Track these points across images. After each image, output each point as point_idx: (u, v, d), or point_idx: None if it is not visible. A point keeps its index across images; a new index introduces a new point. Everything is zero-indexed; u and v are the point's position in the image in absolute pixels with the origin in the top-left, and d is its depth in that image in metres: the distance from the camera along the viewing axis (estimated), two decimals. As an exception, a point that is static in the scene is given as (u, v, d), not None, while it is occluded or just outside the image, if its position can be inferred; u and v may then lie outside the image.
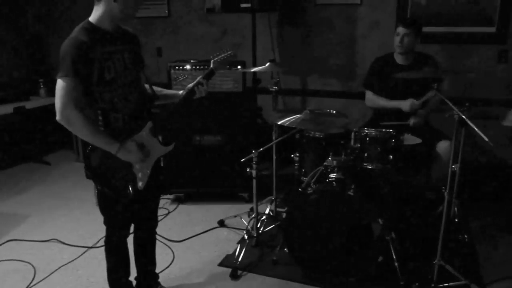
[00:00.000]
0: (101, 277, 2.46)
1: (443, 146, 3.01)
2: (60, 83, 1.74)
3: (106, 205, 2.04)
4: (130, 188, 1.96)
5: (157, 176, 2.19)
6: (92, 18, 1.84)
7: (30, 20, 5.17)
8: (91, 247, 2.97)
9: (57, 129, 1.89)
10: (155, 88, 2.15)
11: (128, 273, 2.28)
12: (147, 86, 2.15)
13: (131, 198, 1.98)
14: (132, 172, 1.96)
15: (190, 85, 2.12)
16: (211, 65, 2.15)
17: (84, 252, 2.92)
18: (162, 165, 3.41)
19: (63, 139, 4.97)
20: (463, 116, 2.22)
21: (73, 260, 2.83)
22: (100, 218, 2.10)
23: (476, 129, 2.17)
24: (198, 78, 2.11)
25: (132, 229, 2.26)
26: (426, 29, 3.60)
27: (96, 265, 2.74)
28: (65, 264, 2.78)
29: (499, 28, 3.57)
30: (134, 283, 2.38)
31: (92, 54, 1.78)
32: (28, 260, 2.83)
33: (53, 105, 1.80)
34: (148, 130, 1.99)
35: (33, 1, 5.10)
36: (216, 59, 2.16)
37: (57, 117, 1.76)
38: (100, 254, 2.53)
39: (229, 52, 2.21)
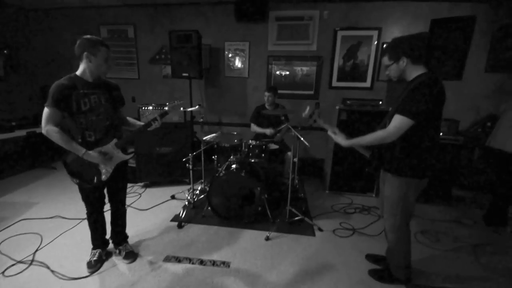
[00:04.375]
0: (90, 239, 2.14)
1: (288, 155, 3.12)
2: (45, 110, 1.68)
3: (80, 189, 1.90)
4: (96, 179, 1.82)
5: (123, 171, 1.98)
6: (78, 71, 1.75)
7: (40, 74, 4.38)
8: (84, 219, 2.58)
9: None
10: (129, 119, 2.00)
11: (104, 234, 2.08)
12: (128, 118, 1.99)
13: (97, 185, 1.83)
14: (98, 169, 1.83)
15: (148, 120, 1.93)
16: (166, 108, 1.98)
17: (79, 223, 2.52)
18: (129, 164, 3.08)
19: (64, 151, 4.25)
20: (297, 134, 2.45)
21: (71, 228, 2.44)
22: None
23: (303, 140, 2.40)
24: (155, 116, 1.92)
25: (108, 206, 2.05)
26: (281, 91, 3.90)
27: (88, 230, 2.38)
28: (65, 231, 2.38)
29: (315, 91, 3.96)
30: (110, 241, 2.15)
31: (69, 92, 1.68)
32: (37, 231, 2.37)
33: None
34: (114, 144, 1.83)
35: (41, 58, 4.34)
36: (170, 104, 1.99)
37: (42, 131, 1.68)
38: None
39: (181, 102, 2.05)
